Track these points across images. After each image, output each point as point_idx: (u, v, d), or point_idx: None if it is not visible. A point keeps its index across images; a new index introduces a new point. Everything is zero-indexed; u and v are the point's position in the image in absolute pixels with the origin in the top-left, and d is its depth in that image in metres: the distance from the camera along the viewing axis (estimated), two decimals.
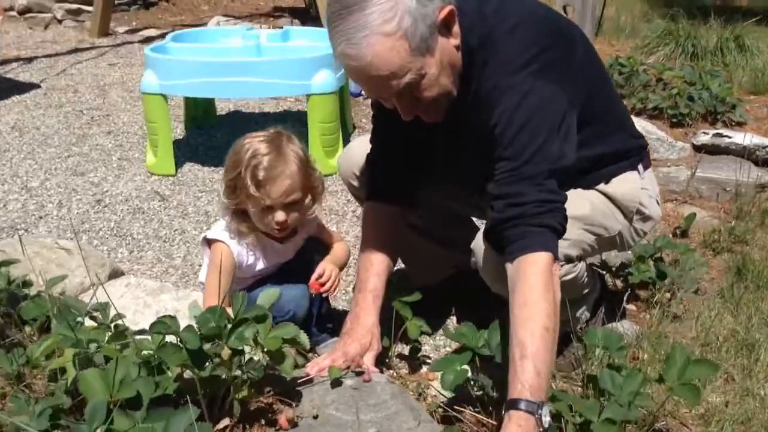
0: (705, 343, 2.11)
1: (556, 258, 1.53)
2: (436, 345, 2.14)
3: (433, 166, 1.91)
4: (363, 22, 1.44)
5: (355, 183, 2.04)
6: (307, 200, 1.85)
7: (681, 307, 2.31)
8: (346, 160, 2.06)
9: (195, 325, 1.46)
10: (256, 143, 1.78)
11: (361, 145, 2.00)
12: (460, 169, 1.88)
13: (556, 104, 1.56)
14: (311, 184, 1.84)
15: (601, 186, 1.85)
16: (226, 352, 1.43)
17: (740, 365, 2.02)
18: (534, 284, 1.47)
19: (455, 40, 1.56)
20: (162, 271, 2.56)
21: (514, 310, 1.48)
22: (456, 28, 1.56)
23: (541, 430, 1.38)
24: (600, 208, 1.82)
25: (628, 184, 1.87)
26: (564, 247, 1.61)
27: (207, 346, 1.44)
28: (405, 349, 2.03)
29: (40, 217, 2.94)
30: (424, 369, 1.96)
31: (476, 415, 1.65)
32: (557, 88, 1.56)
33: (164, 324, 1.46)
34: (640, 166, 1.93)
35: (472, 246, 1.75)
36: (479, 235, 1.72)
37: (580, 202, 1.72)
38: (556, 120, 1.55)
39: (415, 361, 1.99)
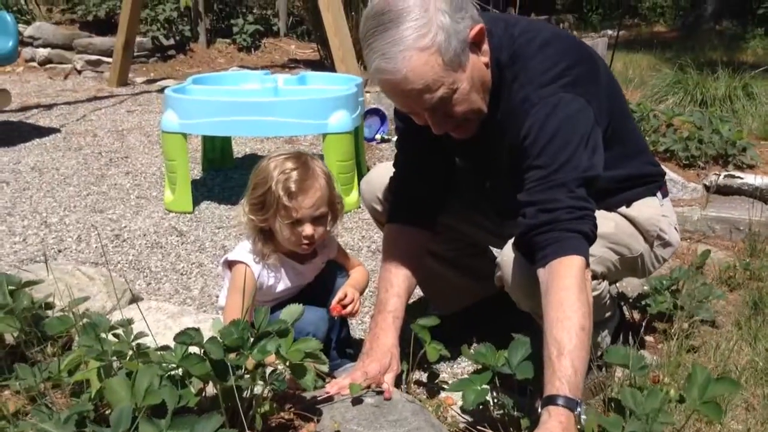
0: (724, 372, 2.09)
1: (588, 263, 1.55)
2: (454, 372, 2.14)
3: (457, 189, 1.94)
4: (398, 37, 1.49)
5: (378, 207, 2.07)
6: (329, 217, 1.88)
7: (699, 339, 2.31)
8: (369, 184, 2.09)
9: (218, 337, 1.47)
10: (282, 160, 1.82)
11: (383, 170, 2.04)
12: (483, 191, 1.91)
13: (584, 117, 1.60)
14: (334, 200, 1.87)
15: (623, 209, 1.87)
16: (250, 362, 1.44)
17: (761, 394, 2.01)
18: (569, 285, 1.49)
19: (485, 58, 1.62)
20: (179, 302, 2.58)
21: (549, 310, 1.49)
22: (486, 47, 1.62)
23: (579, 427, 1.38)
24: (624, 229, 1.84)
25: (648, 209, 1.90)
26: (590, 263, 1.63)
27: (230, 357, 1.45)
28: (423, 376, 2.03)
29: (59, 251, 2.97)
30: (443, 394, 1.95)
31: None
32: (585, 102, 1.60)
33: (188, 335, 1.47)
34: (659, 193, 1.96)
35: (498, 260, 1.76)
36: (506, 249, 1.73)
37: (604, 221, 1.73)
38: (585, 132, 1.59)
39: (433, 387, 1.99)
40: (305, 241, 1.83)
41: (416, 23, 1.50)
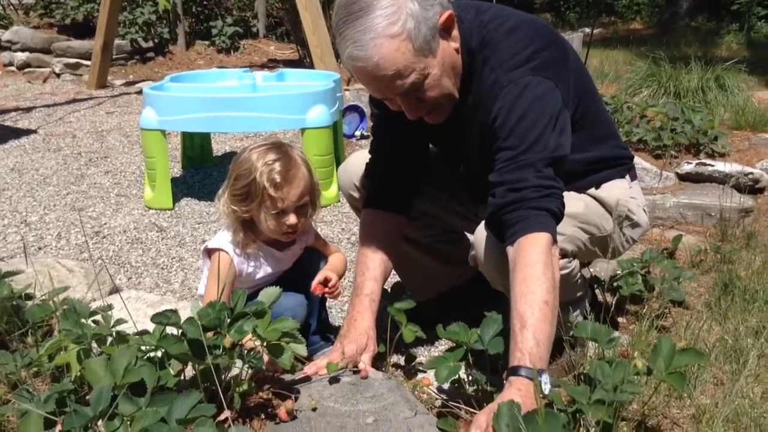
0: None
1: (555, 241, 1.59)
2: (431, 356, 2.17)
3: (432, 175, 1.98)
4: (369, 25, 1.53)
5: (356, 194, 2.10)
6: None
7: (670, 319, 2.36)
8: (346, 171, 2.13)
9: (196, 318, 1.51)
10: (263, 151, 1.85)
11: (360, 158, 2.07)
12: (457, 176, 1.95)
13: (552, 99, 1.65)
14: (314, 187, 1.90)
15: (592, 191, 1.92)
16: (228, 341, 1.47)
17: (729, 370, 2.06)
18: (534, 261, 1.53)
19: (455, 44, 1.67)
20: (160, 295, 2.59)
21: (515, 285, 1.54)
22: (455, 32, 1.66)
23: (541, 395, 1.42)
24: (593, 209, 1.89)
25: (617, 190, 1.95)
26: (560, 241, 1.68)
27: (208, 336, 1.48)
28: (401, 360, 2.07)
29: (40, 248, 2.99)
30: (420, 375, 1.99)
31: (471, 410, 1.68)
32: (553, 85, 1.65)
33: (165, 316, 1.51)
34: (627, 176, 2.01)
35: (472, 239, 1.80)
36: (480, 228, 1.77)
37: (575, 201, 1.79)
38: (553, 113, 1.63)
39: (410, 369, 2.03)
40: (289, 230, 1.86)
41: (386, 11, 1.54)
